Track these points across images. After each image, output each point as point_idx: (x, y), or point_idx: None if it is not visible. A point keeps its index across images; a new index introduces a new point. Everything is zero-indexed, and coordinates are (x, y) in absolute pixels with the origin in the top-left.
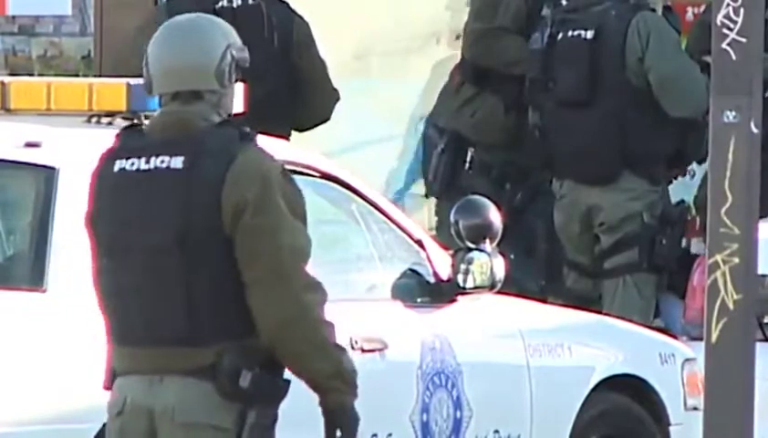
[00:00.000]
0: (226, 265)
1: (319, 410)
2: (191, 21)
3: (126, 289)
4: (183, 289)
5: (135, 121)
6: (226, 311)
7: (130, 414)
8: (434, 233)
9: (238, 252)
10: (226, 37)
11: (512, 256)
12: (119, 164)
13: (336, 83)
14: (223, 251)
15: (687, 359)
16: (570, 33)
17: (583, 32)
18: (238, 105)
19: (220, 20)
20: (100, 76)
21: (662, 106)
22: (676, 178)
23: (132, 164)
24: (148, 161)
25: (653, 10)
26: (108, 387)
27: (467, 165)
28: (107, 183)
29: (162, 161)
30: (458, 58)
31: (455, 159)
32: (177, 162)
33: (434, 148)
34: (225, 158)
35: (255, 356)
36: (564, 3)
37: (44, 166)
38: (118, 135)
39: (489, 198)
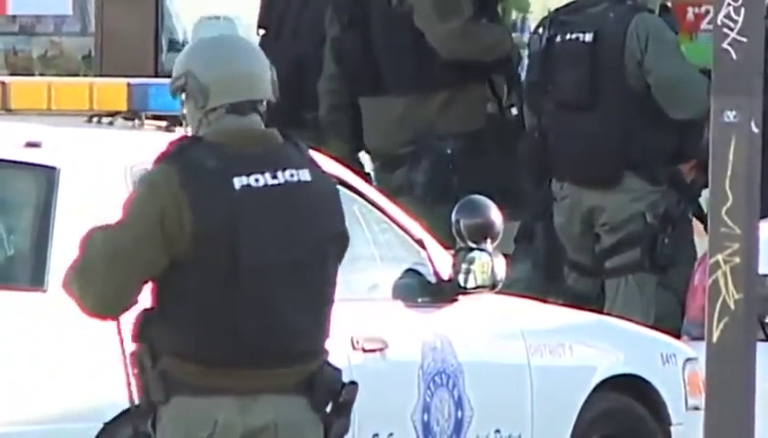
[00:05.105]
0: (336, 272)
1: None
2: (233, 37)
3: (252, 308)
4: (317, 303)
5: (189, 137)
6: (330, 321)
7: (222, 436)
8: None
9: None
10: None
11: None
12: (238, 181)
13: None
14: (337, 260)
15: (688, 359)
16: (569, 36)
17: (581, 35)
18: None
19: None
20: (101, 75)
21: (663, 108)
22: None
23: (257, 180)
24: (275, 176)
25: (651, 11)
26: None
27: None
28: (228, 202)
29: (292, 175)
30: None
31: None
32: (305, 175)
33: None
34: (319, 168)
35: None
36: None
37: (44, 166)
38: (182, 150)
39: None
